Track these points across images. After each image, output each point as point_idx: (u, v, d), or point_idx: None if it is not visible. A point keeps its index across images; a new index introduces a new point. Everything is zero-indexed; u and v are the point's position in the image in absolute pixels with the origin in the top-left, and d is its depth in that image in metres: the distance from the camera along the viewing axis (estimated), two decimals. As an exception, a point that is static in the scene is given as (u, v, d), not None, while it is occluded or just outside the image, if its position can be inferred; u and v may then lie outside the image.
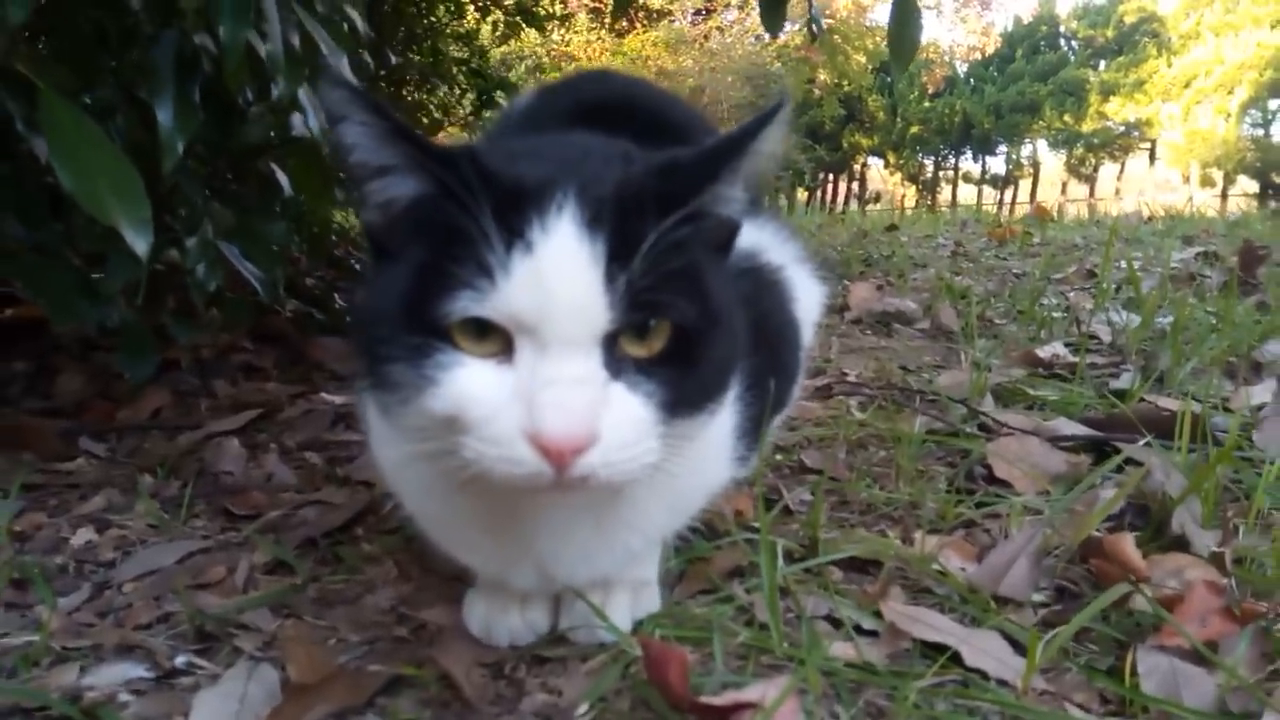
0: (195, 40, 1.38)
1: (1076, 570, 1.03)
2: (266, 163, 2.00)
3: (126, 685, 0.85)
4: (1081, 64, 28.54)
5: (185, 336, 1.77)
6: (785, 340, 1.07)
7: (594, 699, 0.80)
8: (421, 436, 0.69)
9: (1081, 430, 1.44)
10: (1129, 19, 28.27)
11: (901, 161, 31.36)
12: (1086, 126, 28.15)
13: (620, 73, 1.68)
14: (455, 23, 5.07)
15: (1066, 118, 27.80)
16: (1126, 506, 1.16)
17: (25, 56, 1.20)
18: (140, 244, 1.05)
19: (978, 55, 31.01)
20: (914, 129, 29.90)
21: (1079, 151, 28.94)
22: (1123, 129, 28.46)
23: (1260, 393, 1.60)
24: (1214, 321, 2.22)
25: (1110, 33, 28.59)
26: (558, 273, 0.64)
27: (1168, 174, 28.36)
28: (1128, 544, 0.98)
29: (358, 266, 3.06)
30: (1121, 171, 30.26)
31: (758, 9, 2.36)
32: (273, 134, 1.83)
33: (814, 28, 2.62)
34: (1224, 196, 21.92)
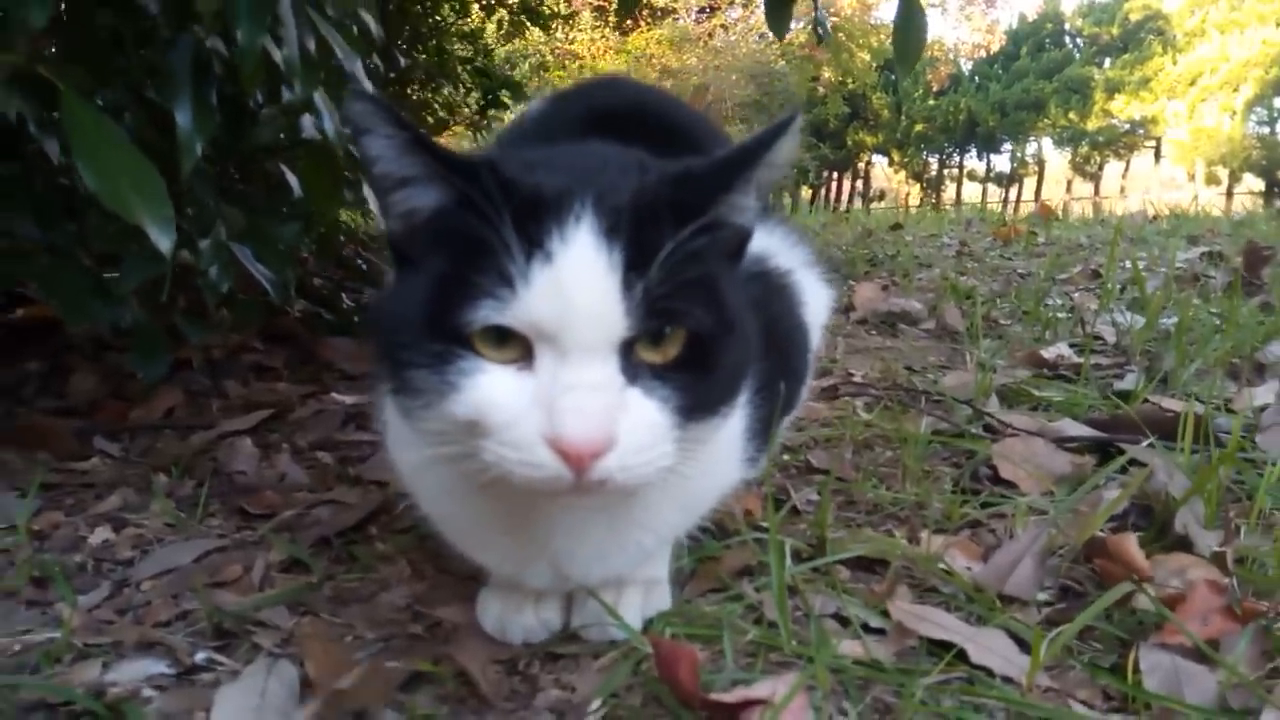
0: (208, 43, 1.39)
1: (1080, 570, 1.04)
2: (276, 164, 2.02)
3: (149, 681, 0.87)
4: (1086, 61, 28.46)
5: (197, 337, 1.79)
6: (794, 343, 1.08)
7: (606, 695, 0.82)
8: (442, 440, 0.71)
9: (1086, 431, 1.45)
10: (1134, 16, 28.18)
11: (906, 159, 31.30)
12: (1091, 124, 28.07)
13: (631, 80, 1.70)
14: (460, 22, 5.08)
15: (1071, 115, 27.71)
16: (1130, 507, 1.17)
17: (44, 59, 1.21)
18: (164, 241, 1.07)
19: (982, 53, 30.96)
20: (918, 127, 29.84)
21: (1084, 149, 28.86)
22: (1128, 127, 28.38)
23: (1263, 394, 1.61)
24: (1218, 322, 2.23)
25: (1115, 30, 28.50)
26: (576, 282, 0.66)
27: (1173, 172, 28.29)
28: (1131, 544, 0.99)
29: (364, 266, 3.07)
30: (1126, 169, 30.18)
31: (762, 8, 2.37)
32: (282, 135, 1.84)
33: (819, 31, 2.62)
34: (1229, 194, 21.89)
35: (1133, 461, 1.28)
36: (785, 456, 1.44)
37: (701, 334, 0.70)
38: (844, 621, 0.94)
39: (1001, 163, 31.65)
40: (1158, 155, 29.30)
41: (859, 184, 32.67)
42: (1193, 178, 26.31)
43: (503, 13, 5.48)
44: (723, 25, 22.37)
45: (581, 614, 0.92)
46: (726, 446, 0.87)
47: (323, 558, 1.14)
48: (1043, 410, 1.65)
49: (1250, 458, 1.32)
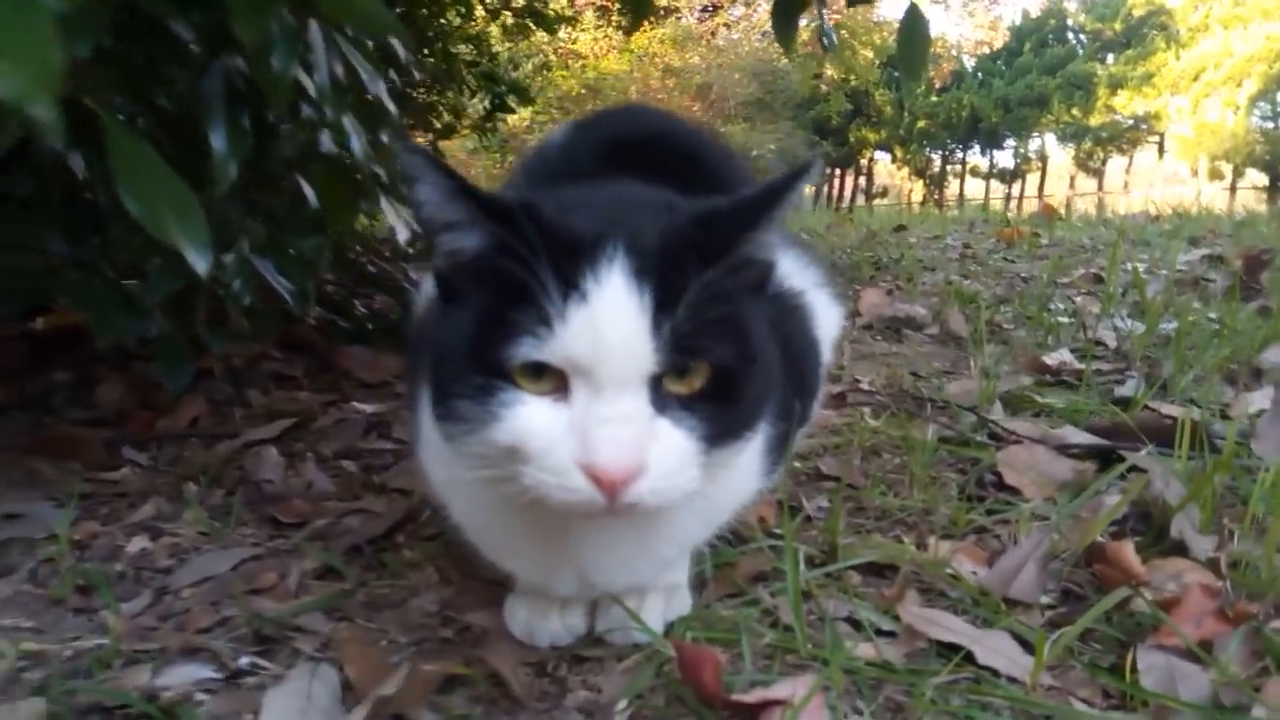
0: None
1: (1081, 574, 1.09)
2: (294, 178, 2.06)
3: (198, 685, 0.91)
4: (1090, 57, 28.40)
5: (219, 346, 1.83)
6: (807, 361, 1.13)
7: (632, 695, 0.86)
8: (484, 464, 0.75)
9: (1087, 438, 1.49)
10: (1137, 12, 28.11)
11: (909, 156, 31.25)
12: (1095, 120, 28.00)
13: (652, 109, 1.74)
14: (465, 25, 5.10)
15: (1075, 111, 27.66)
16: (1129, 512, 1.21)
17: (87, 87, 1.25)
18: (201, 264, 1.11)
19: (985, 49, 30.86)
20: (921, 123, 29.79)
21: (1087, 145, 28.79)
22: (1131, 122, 28.30)
23: (1259, 399, 1.65)
24: (1217, 327, 2.27)
25: (1118, 26, 28.43)
26: (609, 321, 0.70)
27: (1176, 167, 28.23)
28: (1128, 550, 1.04)
29: (374, 270, 3.10)
30: (1130, 165, 30.10)
31: (767, 9, 2.40)
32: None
33: (824, 41, 2.65)
34: (1233, 190, 21.88)
35: (1133, 468, 1.32)
36: (796, 463, 1.48)
37: (725, 367, 0.75)
38: (856, 625, 0.98)
39: (1005, 159, 31.60)
40: (1161, 151, 29.23)
41: (862, 181, 32.66)
42: (1196, 173, 26.26)
43: (507, 16, 5.50)
44: (725, 24, 22.38)
45: (606, 619, 0.97)
46: (746, 462, 0.91)
47: (355, 565, 1.18)
48: (1045, 417, 1.69)
49: (1245, 464, 1.36)
